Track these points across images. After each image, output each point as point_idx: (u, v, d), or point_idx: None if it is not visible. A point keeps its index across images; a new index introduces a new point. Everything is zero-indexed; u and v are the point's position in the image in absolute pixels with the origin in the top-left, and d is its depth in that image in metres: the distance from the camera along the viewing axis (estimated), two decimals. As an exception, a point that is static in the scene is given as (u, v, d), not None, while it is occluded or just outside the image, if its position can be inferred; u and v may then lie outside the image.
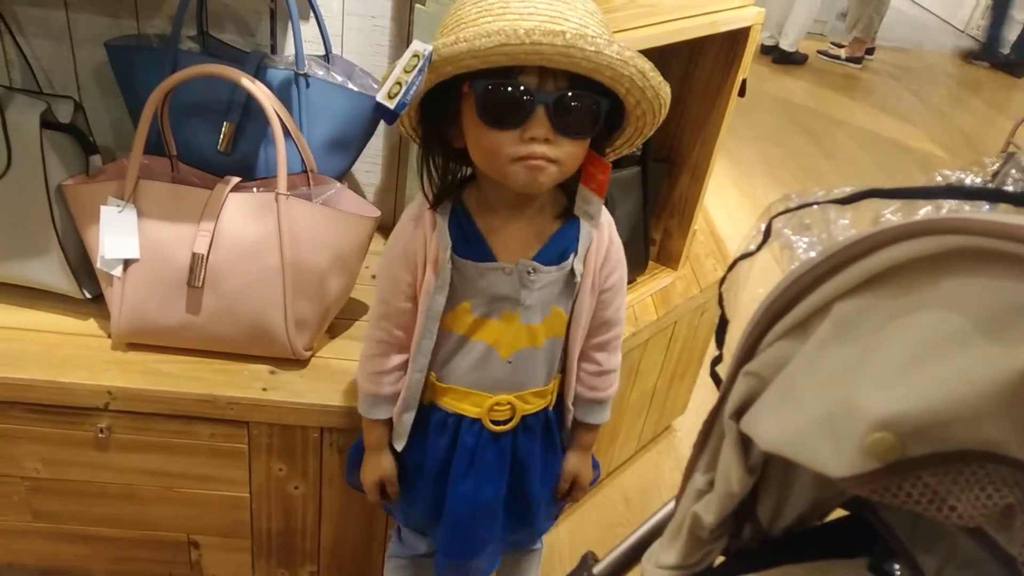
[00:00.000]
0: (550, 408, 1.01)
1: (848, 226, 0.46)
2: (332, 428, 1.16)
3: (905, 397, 0.35)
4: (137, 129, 1.11)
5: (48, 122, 1.13)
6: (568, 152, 0.81)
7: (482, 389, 0.95)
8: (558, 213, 0.92)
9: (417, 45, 0.75)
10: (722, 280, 0.54)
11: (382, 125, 1.38)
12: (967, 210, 0.42)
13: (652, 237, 1.59)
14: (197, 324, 1.14)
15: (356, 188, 1.53)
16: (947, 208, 0.43)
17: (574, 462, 1.06)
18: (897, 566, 0.50)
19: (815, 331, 0.41)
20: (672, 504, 0.61)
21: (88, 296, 1.23)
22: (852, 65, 4.96)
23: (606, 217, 0.95)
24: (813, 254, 0.43)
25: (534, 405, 0.98)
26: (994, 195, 0.43)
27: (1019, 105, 4.72)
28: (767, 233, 0.49)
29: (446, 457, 0.98)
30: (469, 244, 0.89)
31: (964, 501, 0.37)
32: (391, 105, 0.76)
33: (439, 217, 0.90)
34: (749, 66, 1.41)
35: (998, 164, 0.48)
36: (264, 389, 1.15)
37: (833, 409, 0.38)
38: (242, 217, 1.11)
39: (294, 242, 1.11)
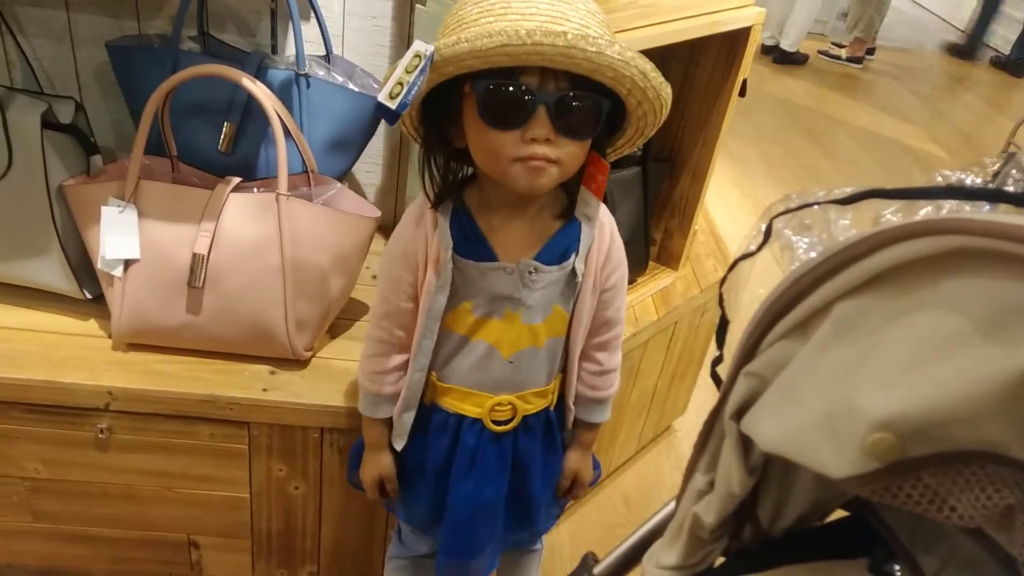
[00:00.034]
0: (551, 408, 1.01)
1: (849, 226, 0.46)
2: (332, 428, 1.17)
3: (905, 397, 0.35)
4: (138, 129, 1.11)
5: (49, 122, 1.13)
6: (569, 152, 0.81)
7: (483, 389, 0.95)
8: (559, 213, 0.92)
9: (419, 45, 0.75)
10: (722, 280, 0.54)
11: (383, 125, 1.38)
12: (967, 210, 0.42)
13: (653, 237, 1.59)
14: (197, 324, 1.14)
15: (357, 188, 1.53)
16: (947, 208, 0.43)
17: (575, 460, 1.06)
18: (897, 567, 0.50)
19: (815, 331, 0.41)
20: (672, 504, 0.61)
21: (88, 296, 1.24)
22: (853, 65, 4.96)
23: (608, 216, 0.95)
24: (813, 254, 0.43)
25: (535, 405, 0.98)
26: (994, 195, 0.42)
27: (1019, 105, 4.72)
28: (768, 233, 0.49)
29: (447, 457, 0.98)
30: (470, 244, 0.89)
31: (964, 501, 0.37)
32: (393, 105, 0.76)
33: (440, 217, 0.90)
34: (750, 66, 1.41)
35: (998, 164, 0.48)
36: (264, 389, 1.15)
37: (833, 409, 0.38)
38: (243, 217, 1.11)
39: (295, 242, 1.11)
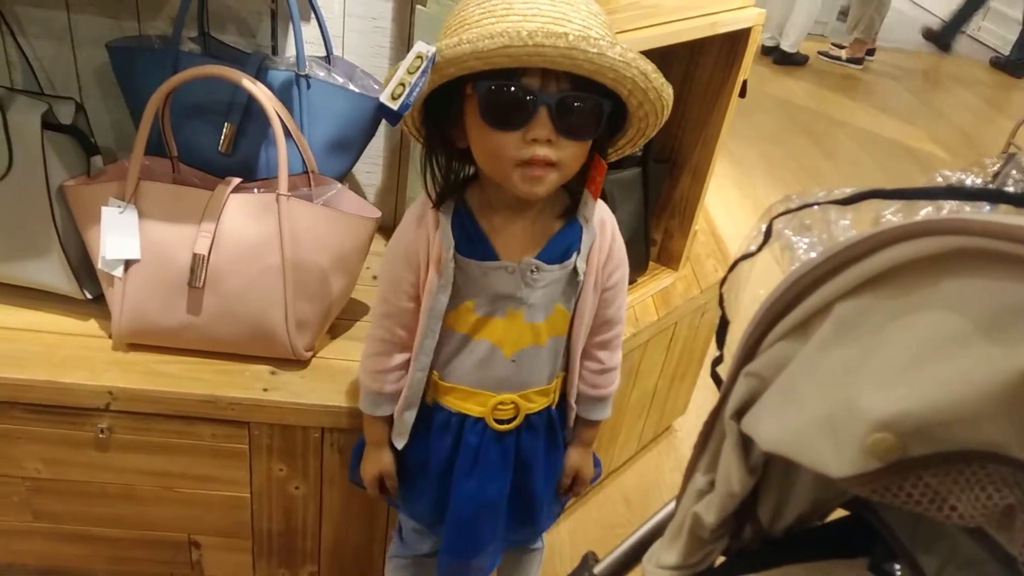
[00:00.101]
0: (553, 407, 1.01)
1: (849, 227, 0.46)
2: (333, 428, 1.17)
3: (906, 397, 0.35)
4: (138, 130, 1.12)
5: (49, 123, 1.13)
6: (570, 153, 0.81)
7: (486, 388, 0.95)
8: (561, 212, 0.92)
9: (421, 46, 0.76)
10: (723, 281, 0.54)
11: (383, 126, 1.38)
12: (968, 211, 0.42)
13: (653, 237, 1.59)
14: (198, 325, 1.14)
15: (357, 189, 1.53)
16: (948, 209, 0.43)
17: (575, 458, 1.06)
18: (898, 566, 0.50)
19: (816, 332, 0.41)
20: (673, 504, 0.61)
21: (89, 297, 1.24)
22: (853, 66, 4.96)
23: (609, 216, 0.95)
24: (814, 255, 0.43)
25: (537, 404, 0.98)
26: (995, 196, 0.43)
27: (1019, 105, 4.72)
28: (768, 234, 0.49)
29: (450, 456, 0.99)
30: (472, 243, 0.90)
31: (965, 501, 0.37)
32: (395, 106, 0.77)
33: (442, 216, 0.90)
34: (750, 67, 1.41)
35: (999, 165, 0.48)
36: (265, 389, 1.15)
37: (834, 409, 0.38)
38: (243, 218, 1.11)
39: (295, 243, 1.11)
